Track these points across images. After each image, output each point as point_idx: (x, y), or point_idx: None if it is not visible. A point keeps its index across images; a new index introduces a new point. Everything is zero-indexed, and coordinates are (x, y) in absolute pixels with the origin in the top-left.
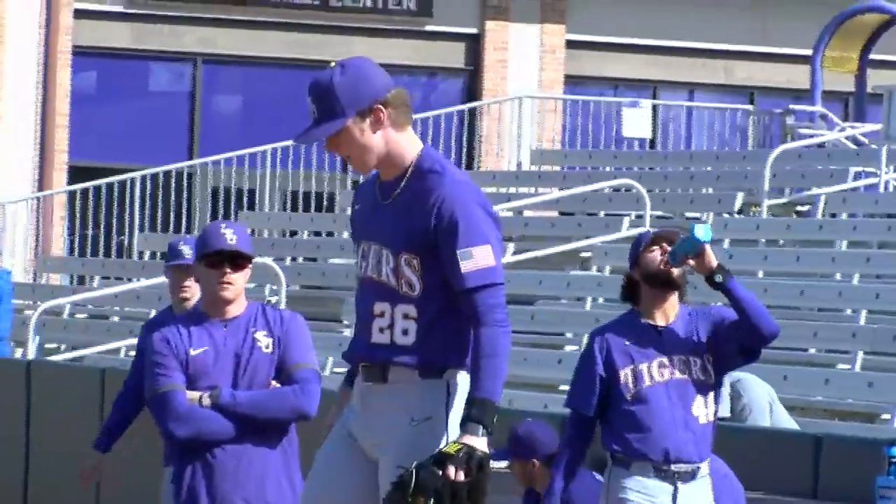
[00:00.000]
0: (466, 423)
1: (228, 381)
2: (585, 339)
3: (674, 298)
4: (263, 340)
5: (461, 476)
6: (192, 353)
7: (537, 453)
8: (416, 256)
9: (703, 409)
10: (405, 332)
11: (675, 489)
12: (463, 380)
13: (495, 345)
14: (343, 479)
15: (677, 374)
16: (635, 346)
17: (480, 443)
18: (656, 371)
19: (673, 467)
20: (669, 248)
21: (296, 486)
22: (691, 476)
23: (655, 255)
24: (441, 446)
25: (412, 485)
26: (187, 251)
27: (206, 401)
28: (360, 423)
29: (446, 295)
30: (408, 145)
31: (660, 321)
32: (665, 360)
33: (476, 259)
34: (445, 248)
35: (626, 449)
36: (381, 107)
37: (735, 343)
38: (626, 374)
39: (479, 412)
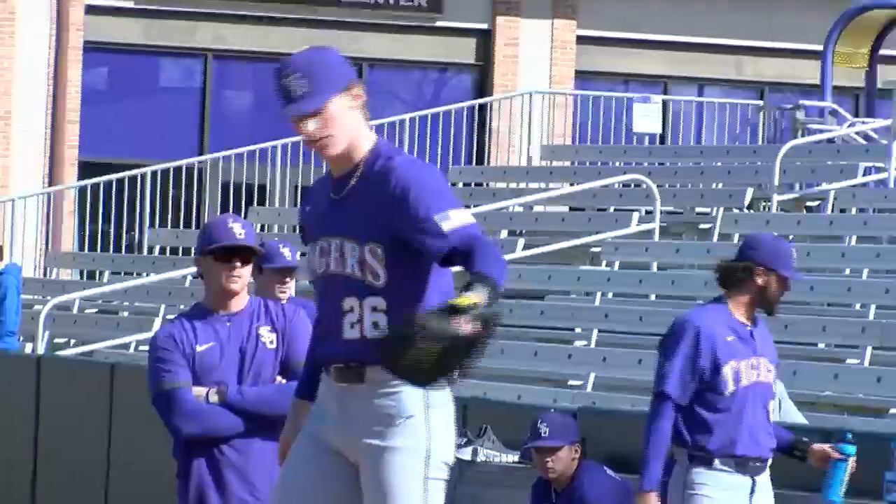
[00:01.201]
0: (470, 287)
1: (234, 377)
2: (678, 323)
3: None
4: (267, 336)
5: (468, 329)
6: (199, 349)
7: (579, 437)
8: (379, 245)
9: (768, 411)
10: (375, 326)
11: (753, 482)
12: None
13: (496, 254)
14: (318, 486)
15: (761, 377)
16: (734, 342)
17: (486, 300)
18: (749, 371)
19: (753, 463)
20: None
21: None
22: (763, 468)
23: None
24: (427, 446)
25: (426, 332)
26: (288, 254)
27: (214, 397)
28: (337, 427)
29: (414, 284)
30: (366, 135)
31: (747, 322)
32: (755, 360)
33: (454, 219)
34: (420, 220)
35: (714, 444)
36: (359, 85)
37: None
38: (727, 372)
39: (479, 280)
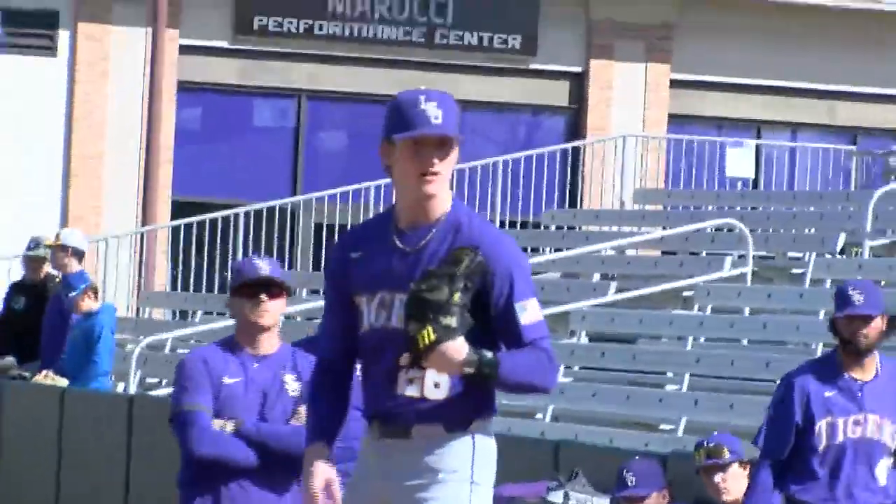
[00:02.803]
0: (481, 350)
1: (254, 417)
2: (781, 379)
3: (872, 355)
4: (291, 384)
5: (414, 329)
6: (227, 381)
7: (666, 482)
8: None
9: (884, 472)
10: (437, 386)
11: None
12: (485, 433)
13: (544, 367)
14: None
15: (868, 434)
16: (835, 398)
17: (462, 351)
18: (850, 427)
19: None
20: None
21: None
22: None
23: (856, 335)
24: (468, 501)
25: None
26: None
27: (230, 427)
28: (378, 480)
29: (481, 342)
30: (447, 194)
31: (858, 376)
32: (861, 417)
33: (530, 312)
34: (501, 303)
35: (806, 495)
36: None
37: None
38: (820, 427)
39: (492, 360)
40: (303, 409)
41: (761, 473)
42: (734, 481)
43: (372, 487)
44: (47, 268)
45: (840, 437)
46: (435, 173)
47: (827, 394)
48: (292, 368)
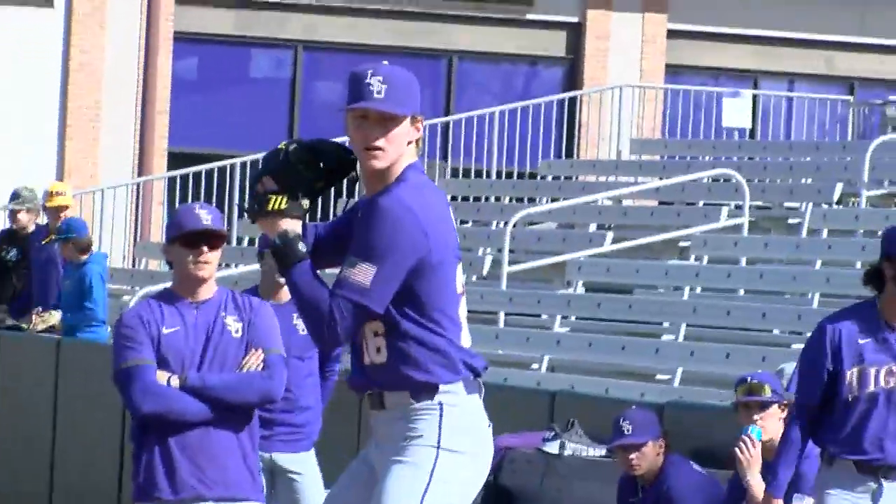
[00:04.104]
0: (298, 238)
1: (196, 363)
2: (816, 326)
3: None
4: (233, 325)
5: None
6: (165, 331)
7: (662, 431)
8: None
9: None
10: (378, 350)
11: (880, 487)
12: (456, 400)
13: (322, 310)
14: (353, 495)
15: None
16: (869, 346)
17: (293, 227)
18: (883, 377)
19: (876, 468)
20: None
21: (254, 470)
22: (892, 474)
23: None
24: (432, 465)
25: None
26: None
27: (175, 382)
28: (371, 447)
29: (408, 305)
30: (403, 164)
31: None
32: (895, 367)
33: (356, 271)
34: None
35: (833, 446)
36: (422, 120)
37: None
38: (851, 375)
39: (300, 253)
40: (255, 356)
41: (793, 429)
42: (771, 421)
43: (368, 454)
44: (36, 218)
45: (871, 387)
46: (377, 148)
47: (860, 341)
48: (234, 310)
